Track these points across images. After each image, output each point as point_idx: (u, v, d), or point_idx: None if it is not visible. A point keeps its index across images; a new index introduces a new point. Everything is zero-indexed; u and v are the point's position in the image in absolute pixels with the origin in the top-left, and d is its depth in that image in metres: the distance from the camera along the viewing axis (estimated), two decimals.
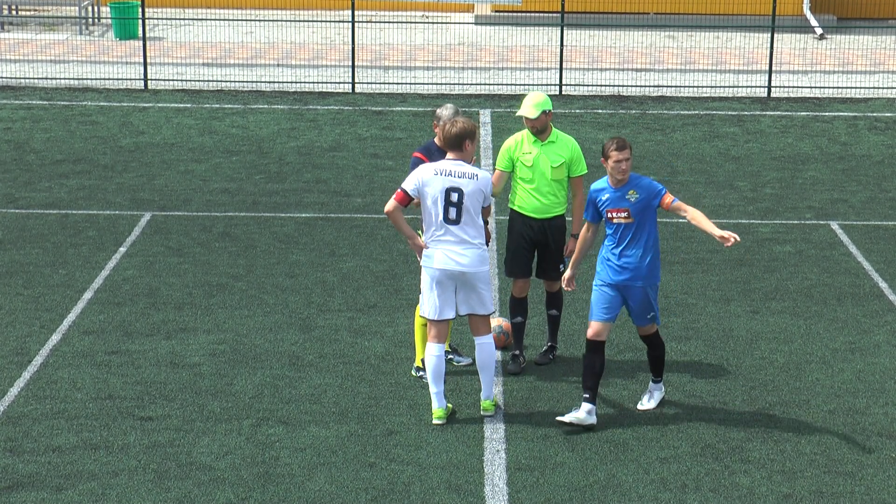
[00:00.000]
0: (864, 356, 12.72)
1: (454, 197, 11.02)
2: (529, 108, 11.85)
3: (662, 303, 14.02)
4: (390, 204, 11.12)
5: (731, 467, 10.60)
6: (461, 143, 11.11)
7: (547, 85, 24.24)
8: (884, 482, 10.38)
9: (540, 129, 11.95)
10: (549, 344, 12.62)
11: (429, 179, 11.06)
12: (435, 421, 11.25)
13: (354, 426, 11.18)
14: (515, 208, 12.23)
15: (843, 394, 11.87)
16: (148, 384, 11.88)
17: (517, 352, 12.42)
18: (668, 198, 11.00)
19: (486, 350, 11.30)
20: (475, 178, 11.09)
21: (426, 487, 10.22)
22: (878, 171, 19.35)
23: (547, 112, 11.94)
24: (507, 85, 24.28)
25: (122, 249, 15.46)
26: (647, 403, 11.56)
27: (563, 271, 12.04)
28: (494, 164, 12.52)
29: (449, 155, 11.21)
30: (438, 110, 11.89)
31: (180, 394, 11.75)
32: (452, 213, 11.04)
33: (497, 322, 12.42)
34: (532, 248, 12.26)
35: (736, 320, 13.56)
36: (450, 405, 11.42)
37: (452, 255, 11.09)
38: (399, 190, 11.17)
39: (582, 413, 11.09)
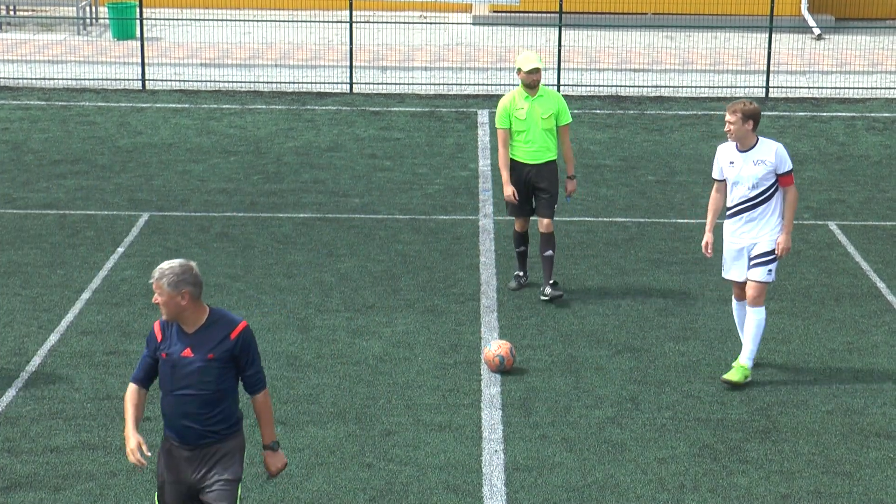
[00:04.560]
0: (862, 356, 12.73)
1: None
2: (536, 61, 13.66)
3: (661, 303, 14.06)
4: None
5: (729, 468, 10.61)
6: None
7: (545, 85, 24.21)
8: (882, 482, 10.39)
9: (538, 81, 13.74)
10: (552, 282, 13.96)
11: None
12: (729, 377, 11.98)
13: (352, 426, 11.19)
14: (513, 157, 13.85)
15: (840, 394, 11.88)
16: None
17: (520, 272, 14.34)
18: None
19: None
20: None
21: (424, 488, 10.23)
22: (875, 172, 19.37)
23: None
24: (504, 85, 24.28)
25: (120, 250, 15.47)
26: None
27: (552, 208, 13.83)
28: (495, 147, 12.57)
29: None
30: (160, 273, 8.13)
31: None
32: None
33: (497, 351, 12.30)
34: (529, 190, 13.89)
35: (734, 320, 13.57)
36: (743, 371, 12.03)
37: None
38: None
39: None
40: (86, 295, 14.08)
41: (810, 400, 11.76)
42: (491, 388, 11.97)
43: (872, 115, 22.93)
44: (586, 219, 16.83)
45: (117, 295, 14.06)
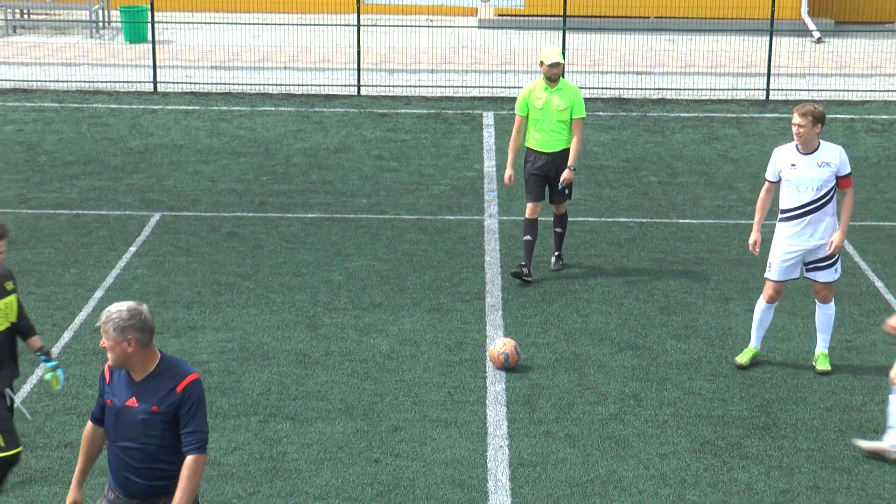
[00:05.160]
0: (860, 354, 12.74)
1: None
2: (558, 56, 14.22)
3: (663, 301, 14.08)
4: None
5: (730, 463, 10.64)
6: None
7: None
8: (879, 478, 10.41)
9: (559, 75, 14.23)
10: (557, 254, 14.88)
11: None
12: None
13: (360, 422, 11.22)
14: (529, 145, 14.47)
15: (839, 391, 11.90)
16: None
17: (523, 264, 14.50)
18: None
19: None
20: None
21: (430, 482, 10.26)
22: (874, 173, 19.36)
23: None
24: (509, 88, 24.30)
25: (133, 249, 15.50)
26: None
27: (565, 195, 14.51)
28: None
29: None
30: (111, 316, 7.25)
31: None
32: None
33: (502, 348, 12.33)
34: (543, 176, 14.43)
35: (734, 319, 13.59)
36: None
37: None
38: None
39: None
40: (99, 293, 14.12)
41: (809, 397, 11.78)
42: (496, 384, 11.99)
43: (871, 117, 22.92)
44: (590, 219, 16.86)
45: (129, 293, 14.09)
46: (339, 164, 19.40)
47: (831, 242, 11.86)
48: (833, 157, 11.75)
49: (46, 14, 30.35)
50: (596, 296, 14.23)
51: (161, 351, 7.26)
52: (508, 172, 14.54)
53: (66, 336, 12.93)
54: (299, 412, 11.39)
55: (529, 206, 14.52)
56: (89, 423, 7.54)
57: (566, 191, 14.49)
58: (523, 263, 14.51)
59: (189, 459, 7.17)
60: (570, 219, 15.52)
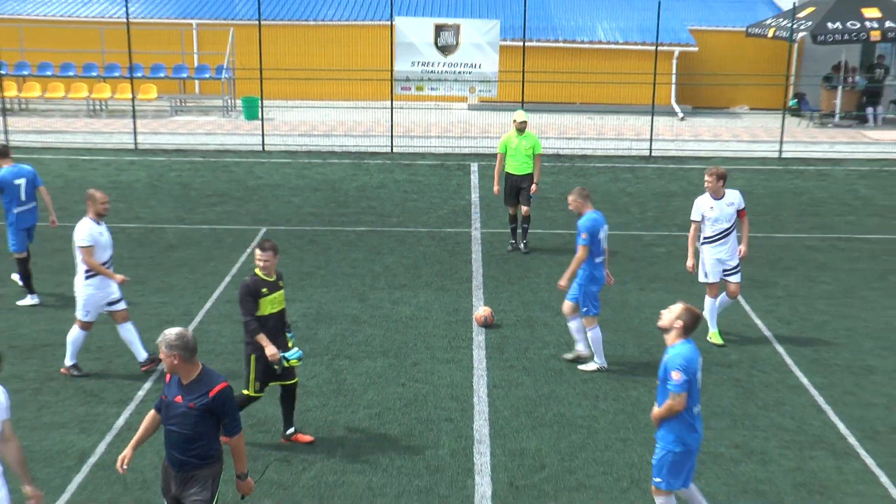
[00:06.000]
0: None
1: None
2: (525, 116, 14.76)
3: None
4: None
5: (626, 385, 10.62)
6: None
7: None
8: (720, 393, 10.39)
9: (525, 128, 14.72)
10: (525, 242, 15.15)
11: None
12: (713, 340, 11.72)
13: (392, 360, 11.20)
14: (507, 170, 15.02)
15: (699, 338, 11.82)
16: None
17: (513, 241, 15.29)
18: None
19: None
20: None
21: (437, 398, 10.25)
22: None
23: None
24: (488, 148, 24.27)
25: (248, 250, 15.46)
26: None
27: (530, 201, 14.95)
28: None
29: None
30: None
31: None
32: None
33: (483, 313, 12.29)
34: (515, 189, 15.02)
35: (630, 294, 13.56)
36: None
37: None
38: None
39: None
40: (227, 278, 14.08)
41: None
42: (478, 336, 11.97)
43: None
44: (538, 231, 16.81)
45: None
46: (379, 196, 19.36)
47: (740, 250, 11.77)
48: (735, 198, 11.59)
49: (196, 102, 30.33)
50: (542, 280, 14.19)
51: (202, 364, 6.84)
52: (497, 188, 15.23)
53: (207, 305, 12.90)
54: (354, 353, 11.37)
55: (510, 208, 15.17)
56: (151, 411, 7.09)
57: (529, 197, 14.92)
58: (513, 241, 15.27)
59: (233, 439, 6.86)
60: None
